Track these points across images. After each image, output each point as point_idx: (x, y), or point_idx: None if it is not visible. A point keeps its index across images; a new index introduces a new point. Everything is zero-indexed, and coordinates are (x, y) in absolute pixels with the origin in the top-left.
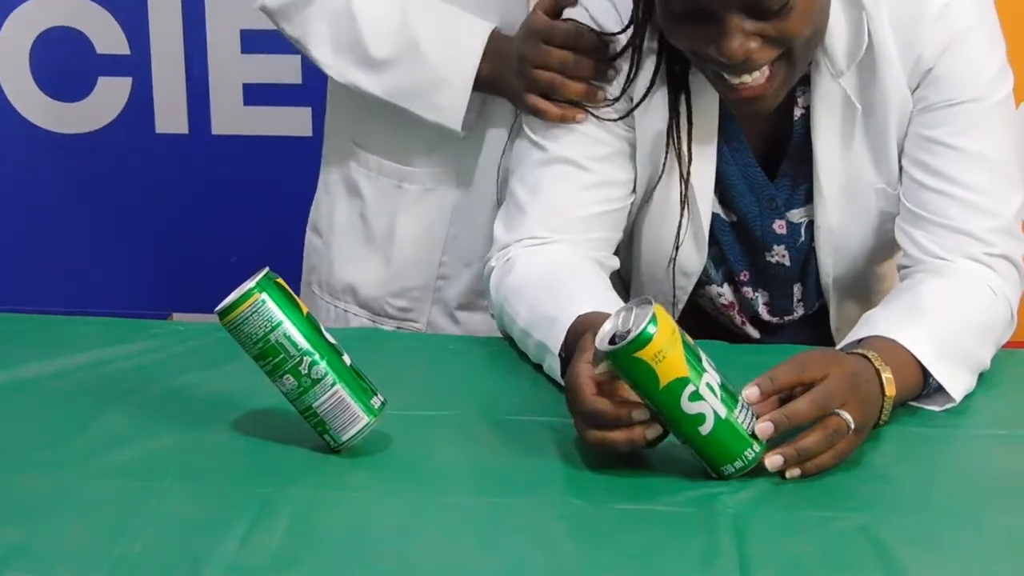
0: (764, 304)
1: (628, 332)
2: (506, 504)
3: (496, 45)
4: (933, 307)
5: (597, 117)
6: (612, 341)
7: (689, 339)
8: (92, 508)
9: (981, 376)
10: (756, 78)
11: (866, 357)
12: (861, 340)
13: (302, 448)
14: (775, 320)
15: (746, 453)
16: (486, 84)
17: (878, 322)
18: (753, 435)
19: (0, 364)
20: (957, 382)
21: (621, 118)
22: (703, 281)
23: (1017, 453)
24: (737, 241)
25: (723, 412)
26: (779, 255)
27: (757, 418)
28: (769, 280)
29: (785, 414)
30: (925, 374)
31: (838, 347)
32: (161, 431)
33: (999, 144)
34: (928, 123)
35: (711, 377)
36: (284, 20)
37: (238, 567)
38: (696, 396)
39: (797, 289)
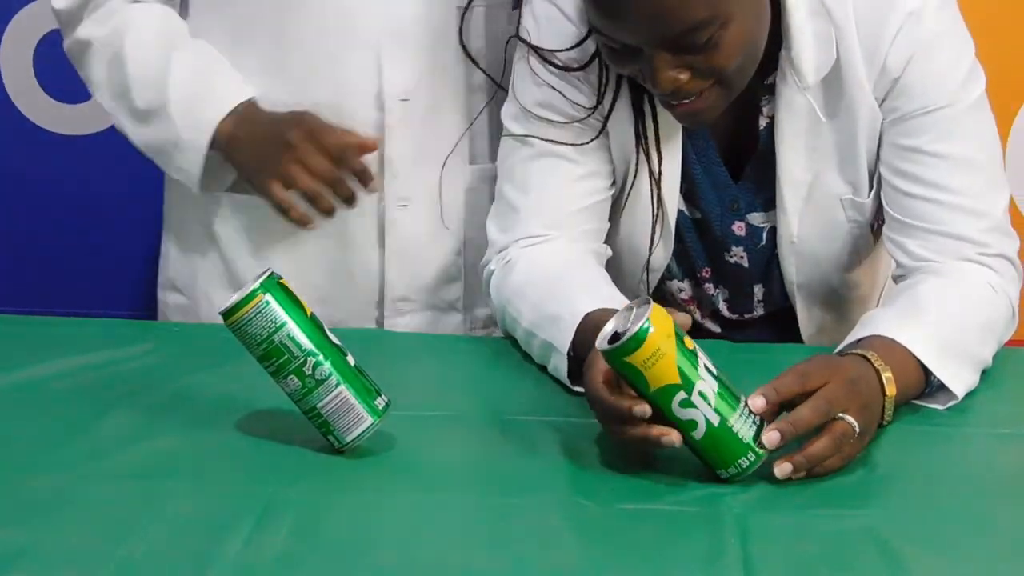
0: (724, 301)
1: (626, 332)
2: (510, 504)
3: (250, 115)
4: (932, 306)
5: (575, 140)
6: (614, 339)
7: (688, 343)
8: (96, 509)
9: (984, 374)
10: (691, 99)
11: (865, 358)
12: (860, 340)
13: (306, 449)
14: (735, 317)
15: (740, 461)
16: (226, 150)
17: (878, 322)
18: (753, 442)
19: (2, 365)
20: (958, 379)
21: (595, 137)
22: (664, 276)
23: (1021, 452)
24: (699, 239)
25: (716, 420)
26: (738, 256)
27: (760, 425)
28: (728, 279)
29: (790, 422)
30: (926, 372)
31: (837, 349)
32: (165, 432)
33: (980, 144)
34: (906, 132)
35: (706, 385)
36: (76, 63)
37: (242, 567)
38: (687, 403)
39: (759, 290)
